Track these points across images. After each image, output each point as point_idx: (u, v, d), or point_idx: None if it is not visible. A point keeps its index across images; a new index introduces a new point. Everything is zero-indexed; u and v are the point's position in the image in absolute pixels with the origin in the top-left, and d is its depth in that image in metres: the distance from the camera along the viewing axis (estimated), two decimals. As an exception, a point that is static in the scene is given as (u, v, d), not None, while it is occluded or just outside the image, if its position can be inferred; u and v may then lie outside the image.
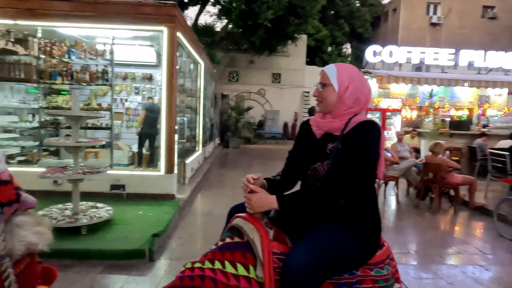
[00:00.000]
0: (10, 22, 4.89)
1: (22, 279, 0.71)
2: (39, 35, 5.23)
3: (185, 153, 6.70)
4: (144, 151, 6.49)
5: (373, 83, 9.70)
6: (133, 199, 4.88)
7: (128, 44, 6.46)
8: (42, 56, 5.22)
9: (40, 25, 5.07)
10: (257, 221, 1.34)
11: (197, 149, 8.29)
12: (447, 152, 6.72)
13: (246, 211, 1.38)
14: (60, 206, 3.86)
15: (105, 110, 5.54)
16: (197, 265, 1.24)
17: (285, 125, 17.35)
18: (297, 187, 1.63)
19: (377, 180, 1.51)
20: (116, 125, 6.53)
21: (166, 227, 3.85)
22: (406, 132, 8.24)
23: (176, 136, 5.34)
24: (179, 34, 5.19)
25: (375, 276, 1.38)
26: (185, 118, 6.93)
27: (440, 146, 5.70)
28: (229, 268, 1.22)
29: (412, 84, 10.08)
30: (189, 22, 13.57)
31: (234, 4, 13.27)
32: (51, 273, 0.85)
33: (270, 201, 1.34)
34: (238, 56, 17.19)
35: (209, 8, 16.13)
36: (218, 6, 15.18)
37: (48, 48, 5.18)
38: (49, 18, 4.91)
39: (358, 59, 21.61)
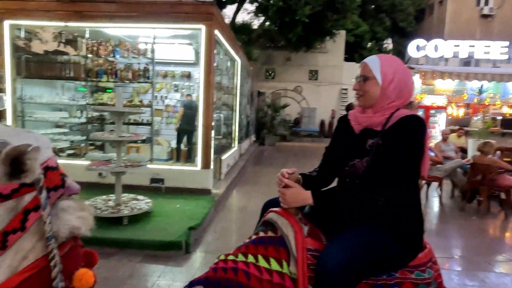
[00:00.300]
0: (61, 24, 5.22)
1: (66, 261, 0.75)
2: (87, 36, 5.53)
3: (221, 149, 6.80)
4: (182, 146, 6.67)
5: (416, 79, 9.24)
6: (171, 192, 5.04)
7: (168, 43, 6.66)
8: (90, 55, 5.52)
9: (88, 26, 5.36)
10: (291, 216, 1.32)
11: (233, 145, 8.39)
12: (498, 152, 6.25)
13: (280, 206, 1.37)
14: (104, 197, 4.08)
15: (146, 107, 5.76)
16: (231, 257, 1.25)
17: (322, 122, 17.07)
18: (333, 183, 1.58)
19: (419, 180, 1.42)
20: (156, 122, 6.77)
21: (202, 221, 3.93)
22: (452, 131, 7.77)
23: (213, 133, 5.43)
24: (216, 32, 5.26)
25: (415, 279, 1.31)
26: (222, 115, 7.03)
27: (490, 145, 5.31)
28: (262, 262, 1.22)
29: (460, 80, 9.47)
30: (227, 21, 13.73)
31: (271, 1, 13.23)
32: (92, 257, 0.89)
33: (305, 197, 1.31)
34: (274, 53, 17.14)
35: (247, 5, 16.21)
36: (256, 4, 15.22)
37: (95, 48, 5.47)
38: (96, 20, 5.18)
39: (400, 55, 20.66)
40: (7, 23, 5.19)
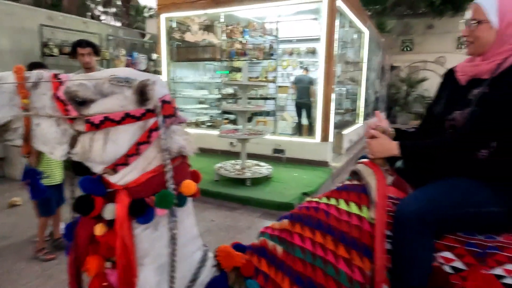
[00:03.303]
0: (201, 12, 6.02)
1: (176, 171, 1.03)
2: (222, 20, 6.22)
3: (343, 124, 6.73)
4: (303, 121, 6.88)
5: None
6: (290, 162, 5.35)
7: (293, 20, 6.84)
8: (224, 38, 6.21)
9: (223, 11, 6.02)
10: (377, 166, 1.34)
11: (357, 121, 8.14)
12: None
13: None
14: (232, 161, 4.68)
15: (270, 82, 6.16)
16: (315, 199, 1.38)
17: (471, 99, 14.59)
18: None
19: None
20: (282, 98, 7.15)
21: (317, 189, 4.10)
22: None
23: (333, 106, 5.43)
24: (338, 3, 5.15)
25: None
26: (344, 89, 6.89)
27: None
28: (343, 205, 1.30)
29: None
30: (358, -9, 12.97)
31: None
32: (197, 175, 1.17)
33: (390, 147, 1.30)
34: (413, 22, 15.34)
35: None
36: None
37: (228, 31, 6.12)
38: (229, 4, 5.77)
39: None
40: (163, 17, 6.32)
